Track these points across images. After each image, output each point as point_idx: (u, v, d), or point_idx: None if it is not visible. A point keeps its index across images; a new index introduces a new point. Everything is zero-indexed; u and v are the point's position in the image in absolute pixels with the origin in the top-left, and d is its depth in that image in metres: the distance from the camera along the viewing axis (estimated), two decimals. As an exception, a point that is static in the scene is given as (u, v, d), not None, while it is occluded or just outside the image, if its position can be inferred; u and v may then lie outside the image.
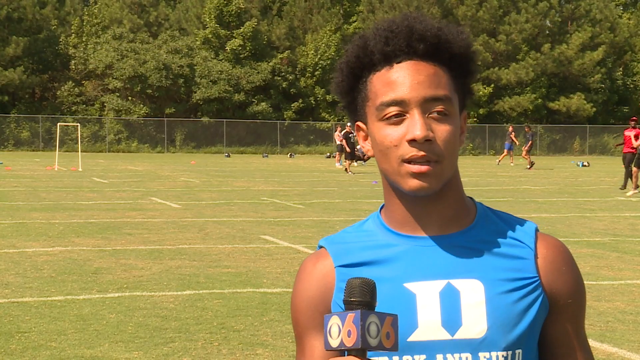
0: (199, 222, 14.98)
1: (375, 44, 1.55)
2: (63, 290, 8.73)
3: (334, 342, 1.34)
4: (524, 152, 39.62)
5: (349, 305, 1.35)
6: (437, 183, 1.53)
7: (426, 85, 1.52)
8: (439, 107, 1.52)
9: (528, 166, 37.89)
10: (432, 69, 1.54)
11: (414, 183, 1.52)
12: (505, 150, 41.69)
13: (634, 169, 23.14)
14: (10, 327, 7.19)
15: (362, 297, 1.35)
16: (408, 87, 1.52)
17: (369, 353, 1.35)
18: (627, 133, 24.69)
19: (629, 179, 23.89)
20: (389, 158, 1.53)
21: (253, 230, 13.87)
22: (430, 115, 1.52)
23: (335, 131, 40.12)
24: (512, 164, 40.66)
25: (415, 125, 1.50)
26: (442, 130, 1.51)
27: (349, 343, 1.32)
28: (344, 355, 1.35)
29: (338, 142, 38.00)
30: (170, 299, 8.38)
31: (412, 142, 1.50)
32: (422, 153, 1.50)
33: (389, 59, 1.54)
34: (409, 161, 1.51)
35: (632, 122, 24.38)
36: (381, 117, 1.53)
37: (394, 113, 1.52)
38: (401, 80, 1.52)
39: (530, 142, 38.62)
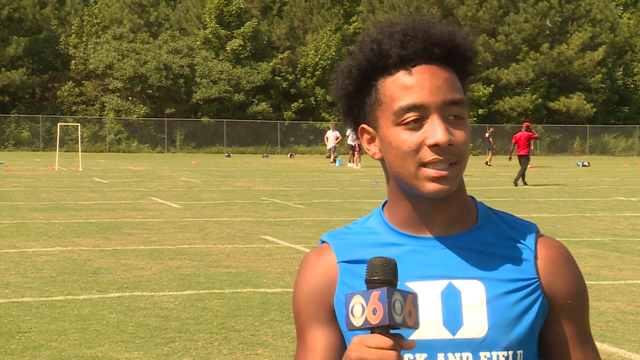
0: (199, 222, 14.98)
1: (390, 47, 1.54)
2: (63, 290, 8.73)
3: (357, 322, 1.36)
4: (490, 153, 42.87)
5: (371, 284, 1.37)
6: (454, 184, 1.54)
7: (445, 90, 1.53)
8: (456, 111, 1.53)
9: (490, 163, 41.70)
10: (447, 73, 1.55)
11: (432, 186, 1.53)
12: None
13: None
14: (10, 327, 7.20)
15: (385, 276, 1.37)
16: (427, 92, 1.52)
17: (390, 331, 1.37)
18: None
19: None
20: (405, 162, 1.53)
21: (253, 230, 13.87)
22: (447, 120, 1.53)
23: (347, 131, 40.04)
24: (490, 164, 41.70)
25: (436, 130, 1.51)
26: (459, 134, 1.53)
27: (375, 321, 1.34)
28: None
29: (351, 143, 37.96)
30: (170, 299, 8.38)
31: (434, 146, 1.51)
32: (443, 157, 1.51)
33: (405, 63, 1.54)
34: (428, 164, 1.52)
35: None
36: (398, 122, 1.53)
37: (412, 118, 1.52)
38: (420, 84, 1.52)
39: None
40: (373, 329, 1.35)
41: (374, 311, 1.34)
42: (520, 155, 26.34)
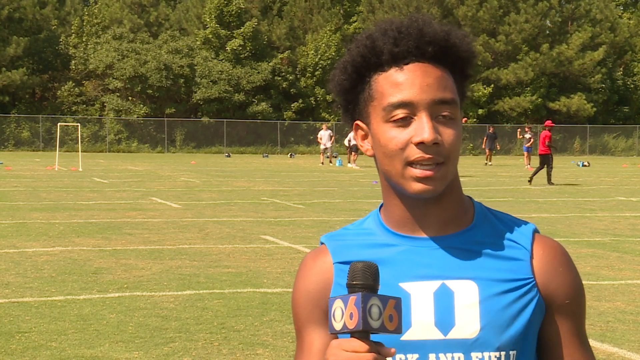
0: (199, 222, 14.98)
1: (383, 44, 1.55)
2: (63, 290, 8.74)
3: (337, 325, 1.36)
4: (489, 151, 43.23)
5: (351, 288, 1.37)
6: (440, 185, 1.53)
7: (435, 88, 1.52)
8: (446, 111, 1.52)
9: (489, 163, 42.19)
10: (439, 72, 1.54)
11: (417, 186, 1.52)
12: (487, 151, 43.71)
13: None
14: (10, 327, 7.20)
15: (364, 281, 1.37)
16: (417, 89, 1.51)
17: (373, 336, 1.36)
18: None
19: None
20: (393, 160, 1.53)
21: (253, 230, 13.87)
22: (437, 119, 1.52)
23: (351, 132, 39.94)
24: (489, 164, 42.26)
25: (423, 128, 1.50)
26: (448, 134, 1.52)
27: (351, 325, 1.34)
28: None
29: (353, 143, 37.94)
30: (170, 299, 8.38)
31: (420, 144, 1.50)
32: (428, 155, 1.50)
33: (397, 60, 1.54)
34: (414, 164, 1.51)
35: None
36: (388, 119, 1.53)
37: (401, 115, 1.52)
38: (410, 81, 1.52)
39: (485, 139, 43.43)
40: (352, 334, 1.35)
41: (351, 316, 1.34)
42: (540, 154, 26.46)
